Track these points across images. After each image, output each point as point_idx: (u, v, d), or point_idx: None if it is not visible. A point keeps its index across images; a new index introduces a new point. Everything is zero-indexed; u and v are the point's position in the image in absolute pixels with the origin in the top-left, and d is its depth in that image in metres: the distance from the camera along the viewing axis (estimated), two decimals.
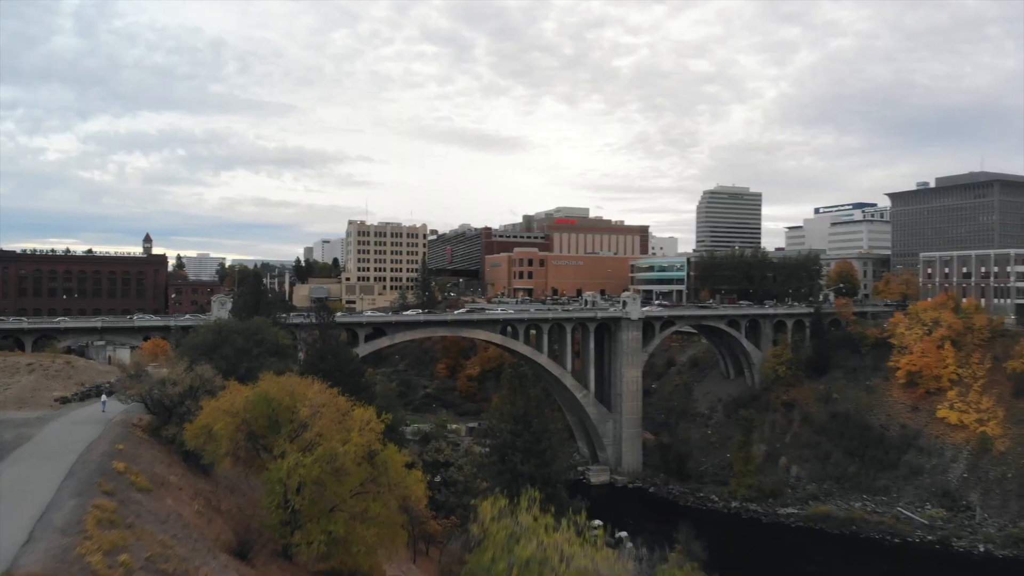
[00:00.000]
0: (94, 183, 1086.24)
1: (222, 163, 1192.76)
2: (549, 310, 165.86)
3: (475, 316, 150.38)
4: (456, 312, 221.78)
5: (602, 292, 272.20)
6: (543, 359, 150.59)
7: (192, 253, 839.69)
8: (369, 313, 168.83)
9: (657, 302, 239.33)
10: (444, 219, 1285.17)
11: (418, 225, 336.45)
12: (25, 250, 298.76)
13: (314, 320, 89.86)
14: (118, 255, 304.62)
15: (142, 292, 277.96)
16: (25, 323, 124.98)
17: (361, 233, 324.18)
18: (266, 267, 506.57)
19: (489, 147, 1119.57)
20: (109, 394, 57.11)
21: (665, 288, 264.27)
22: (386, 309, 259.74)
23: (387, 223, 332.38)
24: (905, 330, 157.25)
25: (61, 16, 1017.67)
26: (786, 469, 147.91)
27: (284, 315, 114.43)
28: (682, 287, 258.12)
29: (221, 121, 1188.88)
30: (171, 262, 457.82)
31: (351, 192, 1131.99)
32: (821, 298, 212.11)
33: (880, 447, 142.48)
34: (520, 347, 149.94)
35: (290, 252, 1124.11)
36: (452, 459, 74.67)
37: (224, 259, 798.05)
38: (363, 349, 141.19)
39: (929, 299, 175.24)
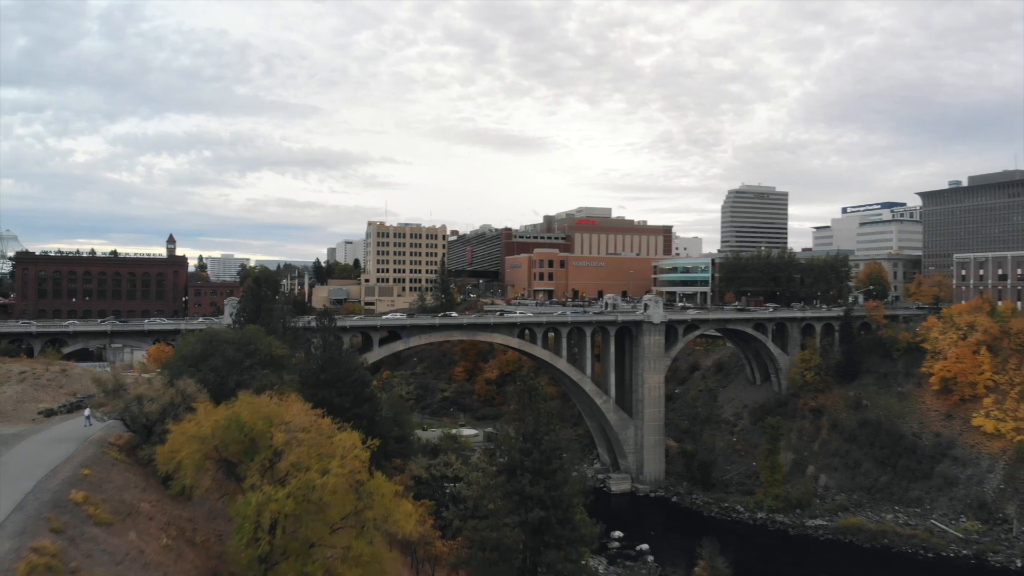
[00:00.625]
0: (122, 184, 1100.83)
1: (248, 164, 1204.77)
2: (568, 313, 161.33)
3: (491, 319, 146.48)
4: (469, 315, 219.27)
5: (624, 294, 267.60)
6: (562, 363, 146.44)
7: (216, 254, 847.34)
8: (399, 315, 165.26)
9: (680, 304, 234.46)
10: (467, 220, 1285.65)
11: (437, 226, 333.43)
12: (45, 251, 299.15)
13: (315, 325, 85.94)
14: (137, 256, 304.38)
15: (162, 294, 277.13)
16: (33, 327, 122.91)
17: (380, 234, 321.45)
18: (288, 268, 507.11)
19: (512, 147, 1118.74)
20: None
21: (689, 290, 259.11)
22: (405, 311, 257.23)
23: (406, 224, 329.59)
24: (939, 334, 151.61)
25: (88, 19, 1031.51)
26: (814, 478, 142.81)
27: (294, 319, 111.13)
28: (706, 289, 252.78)
29: (247, 123, 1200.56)
30: (193, 263, 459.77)
31: (375, 193, 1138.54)
32: (850, 300, 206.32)
33: (912, 456, 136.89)
34: (538, 351, 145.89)
35: (315, 253, 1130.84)
36: (462, 473, 70.94)
37: (248, 260, 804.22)
38: (377, 353, 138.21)
39: (963, 302, 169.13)
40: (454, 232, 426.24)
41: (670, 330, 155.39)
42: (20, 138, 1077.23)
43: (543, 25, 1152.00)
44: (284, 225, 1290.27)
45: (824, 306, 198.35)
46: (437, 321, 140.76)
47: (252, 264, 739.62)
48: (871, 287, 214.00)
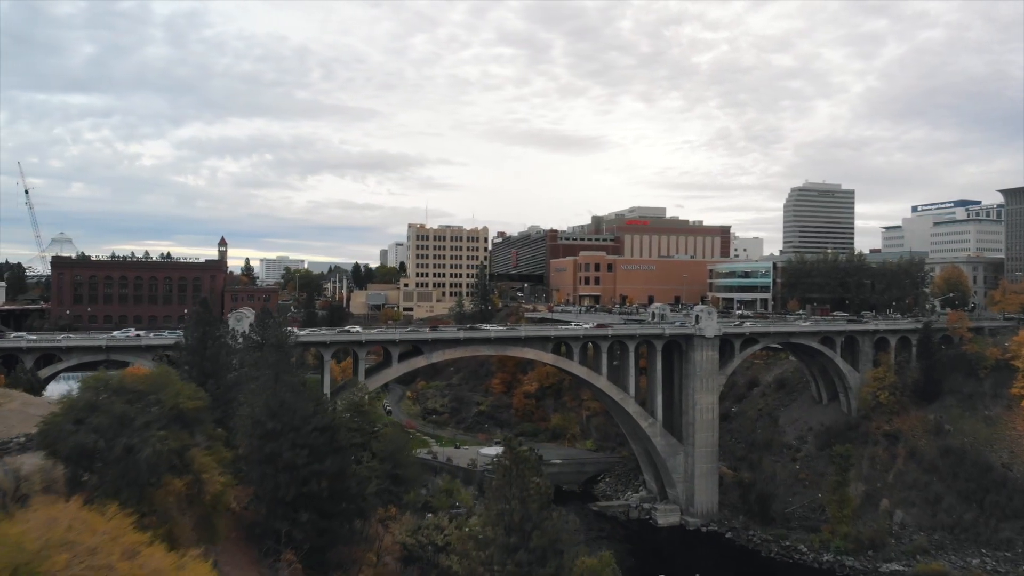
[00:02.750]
0: (188, 187, 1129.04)
1: (308, 167, 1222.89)
2: (610, 326, 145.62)
3: (522, 333, 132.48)
4: (511, 322, 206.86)
5: (677, 299, 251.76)
6: (601, 382, 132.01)
7: (272, 255, 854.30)
8: (424, 330, 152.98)
9: (739, 312, 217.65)
10: (522, 220, 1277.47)
11: (479, 228, 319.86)
12: (83, 255, 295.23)
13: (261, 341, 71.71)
14: (173, 260, 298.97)
15: (199, 298, 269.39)
16: (24, 341, 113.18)
17: (420, 237, 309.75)
18: (337, 270, 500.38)
19: (566, 148, 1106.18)
20: None
21: (748, 296, 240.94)
22: (444, 316, 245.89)
23: (447, 227, 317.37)
24: None
25: (152, 26, 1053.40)
26: (889, 514, 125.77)
27: (292, 332, 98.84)
28: (767, 295, 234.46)
29: (307, 126, 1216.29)
30: (239, 264, 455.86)
31: (432, 195, 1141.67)
32: (928, 309, 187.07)
33: (1003, 491, 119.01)
34: (575, 368, 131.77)
35: (373, 255, 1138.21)
36: (454, 540, 57.52)
37: (302, 262, 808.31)
38: (397, 369, 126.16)
39: None
40: (501, 234, 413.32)
41: (725, 344, 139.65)
42: (89, 143, 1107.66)
43: (597, 24, 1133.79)
44: (344, 227, 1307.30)
45: (898, 315, 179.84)
46: (462, 335, 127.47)
47: (305, 267, 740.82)
48: (950, 294, 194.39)
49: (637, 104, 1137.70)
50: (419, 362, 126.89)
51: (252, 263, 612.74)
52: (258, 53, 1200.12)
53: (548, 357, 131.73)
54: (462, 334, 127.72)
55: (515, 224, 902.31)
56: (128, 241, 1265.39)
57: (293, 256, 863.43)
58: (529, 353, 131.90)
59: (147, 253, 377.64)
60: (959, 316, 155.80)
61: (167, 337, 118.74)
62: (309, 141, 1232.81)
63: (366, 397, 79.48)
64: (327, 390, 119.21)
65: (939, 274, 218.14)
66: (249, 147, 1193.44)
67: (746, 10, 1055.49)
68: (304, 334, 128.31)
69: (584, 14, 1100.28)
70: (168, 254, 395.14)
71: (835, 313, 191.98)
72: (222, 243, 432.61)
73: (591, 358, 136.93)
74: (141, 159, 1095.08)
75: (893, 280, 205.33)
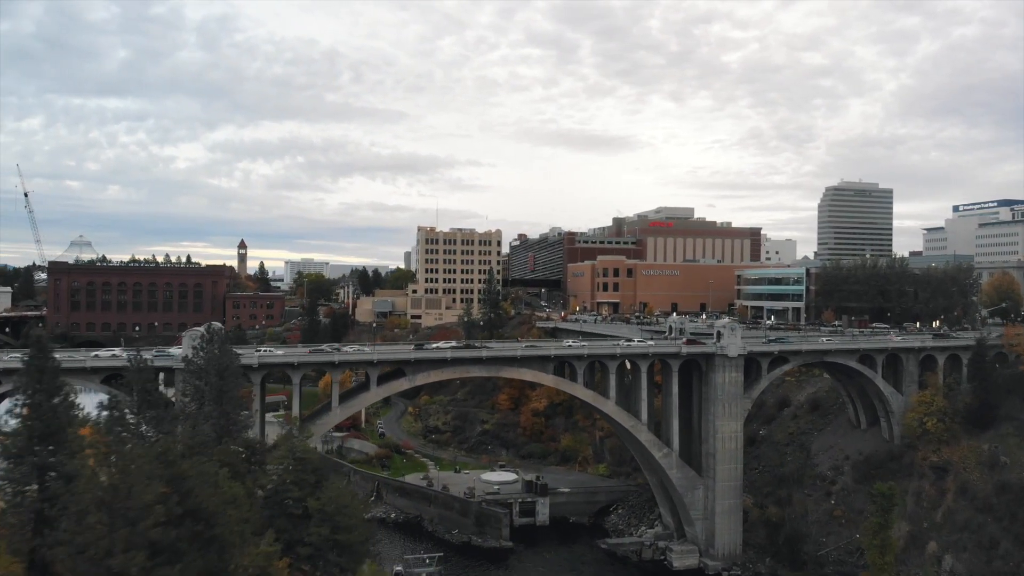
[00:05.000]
0: (221, 189, 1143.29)
1: (340, 169, 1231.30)
2: (617, 342, 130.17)
3: (519, 352, 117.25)
4: (524, 330, 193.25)
5: (702, 307, 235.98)
6: (609, 407, 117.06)
7: (297, 257, 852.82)
8: (401, 347, 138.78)
9: (769, 322, 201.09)
10: (550, 222, 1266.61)
11: (493, 230, 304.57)
12: (103, 258, 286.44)
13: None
14: (174, 266, 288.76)
15: (200, 305, 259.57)
16: None
17: (429, 241, 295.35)
18: (354, 273, 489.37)
19: (595, 148, 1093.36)
20: None
21: (779, 305, 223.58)
22: (453, 325, 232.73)
23: (458, 229, 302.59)
24: None
25: (185, 31, 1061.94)
26: (937, 560, 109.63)
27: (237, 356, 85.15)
28: (800, 304, 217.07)
29: (337, 129, 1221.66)
30: (255, 265, 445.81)
31: (462, 196, 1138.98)
32: (978, 319, 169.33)
33: None
34: (579, 391, 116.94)
35: (402, 256, 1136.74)
36: None
37: (326, 263, 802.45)
38: (376, 393, 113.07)
39: None
40: (521, 236, 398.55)
41: (751, 363, 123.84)
42: (124, 146, 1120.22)
43: (625, 24, 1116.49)
44: (376, 228, 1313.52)
45: (946, 328, 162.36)
46: (449, 354, 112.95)
47: (328, 268, 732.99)
48: (1002, 303, 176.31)
49: (667, 103, 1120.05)
50: (401, 385, 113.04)
51: (276, 265, 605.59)
52: (288, 57, 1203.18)
53: (548, 379, 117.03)
54: (449, 354, 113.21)
55: (543, 225, 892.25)
56: (164, 243, 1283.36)
57: (320, 258, 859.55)
58: (527, 375, 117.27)
59: (167, 256, 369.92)
60: (1017, 331, 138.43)
61: (114, 358, 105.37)
62: (340, 144, 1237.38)
63: (306, 442, 65.65)
64: (296, 416, 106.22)
65: (987, 281, 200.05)
66: (281, 149, 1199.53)
67: (776, 8, 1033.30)
68: (280, 354, 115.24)
69: (612, 14, 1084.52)
70: (188, 257, 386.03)
71: (874, 324, 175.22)
72: (242, 246, 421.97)
73: (598, 379, 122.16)
74: (175, 162, 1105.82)
75: (939, 288, 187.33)
